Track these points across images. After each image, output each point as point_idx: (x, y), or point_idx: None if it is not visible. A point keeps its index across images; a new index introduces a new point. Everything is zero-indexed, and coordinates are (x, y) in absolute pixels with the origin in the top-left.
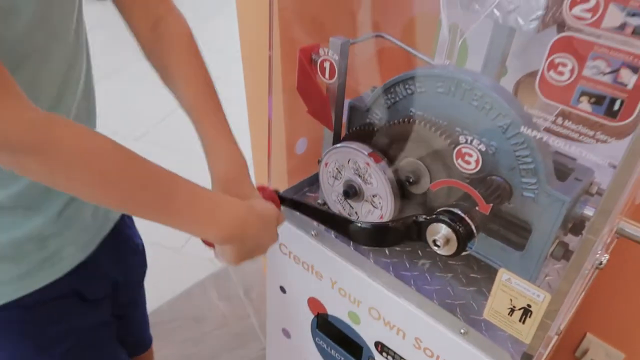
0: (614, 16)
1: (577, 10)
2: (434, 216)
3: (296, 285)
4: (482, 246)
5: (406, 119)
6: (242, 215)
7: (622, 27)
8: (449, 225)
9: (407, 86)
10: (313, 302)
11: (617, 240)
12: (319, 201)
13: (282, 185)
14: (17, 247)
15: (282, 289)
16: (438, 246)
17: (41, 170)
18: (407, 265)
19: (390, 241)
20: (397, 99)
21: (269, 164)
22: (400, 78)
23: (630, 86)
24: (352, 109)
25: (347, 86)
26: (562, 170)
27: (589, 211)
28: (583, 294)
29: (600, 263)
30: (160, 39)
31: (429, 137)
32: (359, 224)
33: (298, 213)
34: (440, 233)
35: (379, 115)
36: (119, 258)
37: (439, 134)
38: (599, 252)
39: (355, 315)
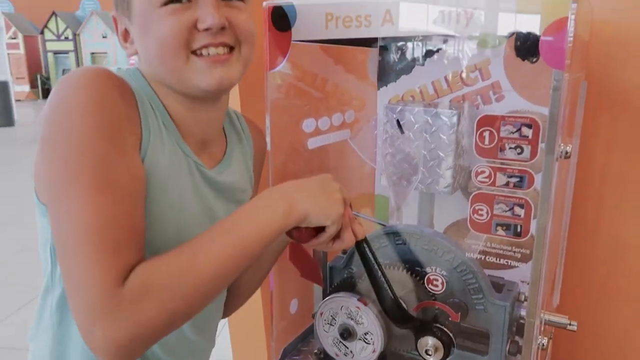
0: (501, 179)
1: (479, 178)
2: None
3: None
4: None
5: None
6: (282, 185)
7: (507, 184)
8: (434, 336)
9: (373, 244)
10: None
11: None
12: (316, 351)
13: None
14: None
15: None
16: (430, 355)
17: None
18: None
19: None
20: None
21: (272, 326)
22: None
23: (522, 216)
24: (332, 269)
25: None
26: (497, 285)
27: (523, 312)
28: None
29: (543, 345)
30: None
31: (400, 277)
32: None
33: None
34: (429, 343)
35: (354, 270)
36: None
37: (407, 273)
38: (540, 335)
39: None
